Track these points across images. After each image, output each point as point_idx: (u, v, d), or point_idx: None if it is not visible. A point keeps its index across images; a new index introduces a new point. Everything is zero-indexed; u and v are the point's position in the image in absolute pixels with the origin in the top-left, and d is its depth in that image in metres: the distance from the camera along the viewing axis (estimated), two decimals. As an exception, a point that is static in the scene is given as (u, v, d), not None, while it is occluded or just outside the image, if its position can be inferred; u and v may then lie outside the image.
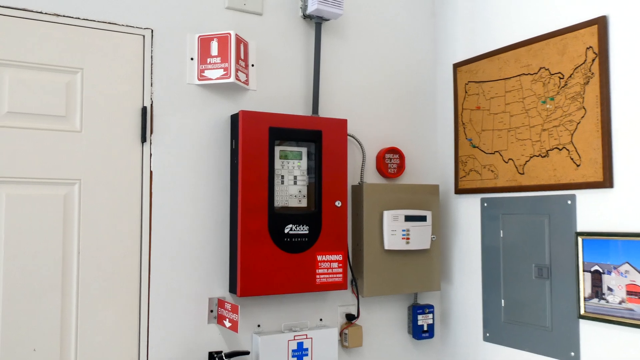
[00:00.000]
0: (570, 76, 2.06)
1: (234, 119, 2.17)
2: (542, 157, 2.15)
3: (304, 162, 2.26)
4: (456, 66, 2.54)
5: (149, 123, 2.06)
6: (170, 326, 2.06)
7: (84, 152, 1.96)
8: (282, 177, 2.21)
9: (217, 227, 2.16)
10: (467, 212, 2.50)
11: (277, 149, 2.20)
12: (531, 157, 2.19)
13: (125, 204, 2.02)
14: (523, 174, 2.22)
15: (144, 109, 2.05)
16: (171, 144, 2.10)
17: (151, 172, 2.06)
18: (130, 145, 2.04)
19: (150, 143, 2.07)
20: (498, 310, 2.33)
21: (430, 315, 2.54)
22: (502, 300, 2.31)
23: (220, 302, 2.11)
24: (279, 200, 2.19)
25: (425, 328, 2.52)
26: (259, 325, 2.22)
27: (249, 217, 2.10)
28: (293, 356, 2.20)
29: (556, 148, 2.10)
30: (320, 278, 2.22)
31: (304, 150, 2.26)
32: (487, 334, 2.38)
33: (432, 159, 2.67)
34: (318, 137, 2.24)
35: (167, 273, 2.07)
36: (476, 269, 2.46)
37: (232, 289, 2.13)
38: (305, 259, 2.20)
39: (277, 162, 2.20)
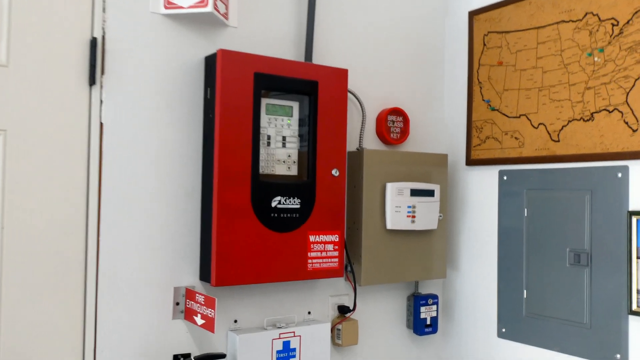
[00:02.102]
0: (628, 22, 1.69)
1: (210, 60, 1.71)
2: (584, 121, 1.79)
3: (295, 120, 1.82)
4: (473, 14, 2.14)
5: (99, 60, 1.58)
6: (124, 323, 1.61)
7: (10, 94, 1.47)
8: (269, 137, 1.77)
9: (187, 198, 1.71)
10: (481, 187, 2.13)
11: (264, 102, 1.76)
12: (570, 122, 1.83)
13: (66, 166, 1.54)
14: (558, 141, 1.86)
15: (92, 42, 1.57)
16: (128, 90, 1.63)
17: (102, 124, 1.59)
18: (75, 88, 1.55)
19: (101, 87, 1.59)
20: (518, 302, 1.97)
21: (434, 307, 2.17)
22: (524, 291, 1.96)
23: (189, 293, 1.67)
24: (265, 167, 1.76)
25: (428, 322, 2.15)
26: (235, 321, 1.79)
27: (227, 187, 1.65)
28: (278, 358, 1.79)
29: (605, 110, 1.74)
30: (312, 263, 1.81)
31: (295, 105, 1.83)
32: (503, 330, 2.03)
33: (440, 124, 2.28)
34: (314, 89, 1.81)
35: (120, 255, 1.61)
36: (490, 254, 2.09)
37: (205, 277, 1.69)
38: (295, 239, 1.77)
39: (264, 119, 1.76)
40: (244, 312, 1.81)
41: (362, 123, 2.03)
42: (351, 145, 2.02)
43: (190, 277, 1.72)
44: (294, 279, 1.78)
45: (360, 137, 2.03)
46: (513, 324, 1.99)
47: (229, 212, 1.66)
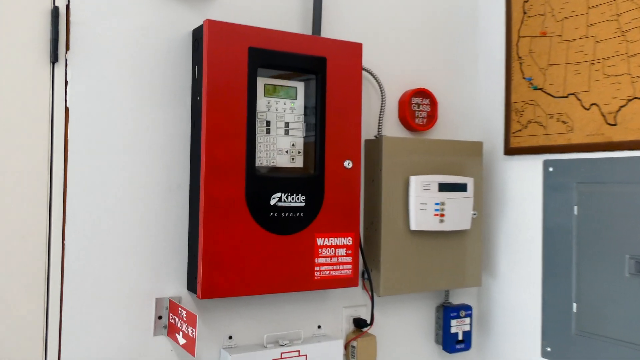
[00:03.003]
0: None
1: (198, 34, 1.46)
2: (649, 99, 1.47)
3: (299, 103, 1.56)
4: (511, -22, 1.83)
5: (62, 34, 1.34)
6: (95, 340, 1.38)
7: (-47, 73, 1.25)
8: (268, 123, 1.51)
9: (170, 195, 1.47)
10: (522, 180, 1.82)
11: (261, 82, 1.50)
12: (629, 101, 1.51)
13: (24, 158, 1.31)
14: (615, 125, 1.54)
15: (54, 11, 1.33)
16: (99, 69, 1.39)
17: (67, 109, 1.35)
18: (33, 67, 1.32)
19: (66, 65, 1.35)
20: (566, 316, 1.67)
21: (467, 320, 1.88)
22: (574, 304, 1.65)
23: (172, 305, 1.43)
24: (263, 158, 1.50)
25: (460, 337, 1.86)
26: (230, 337, 1.54)
27: (216, 182, 1.40)
28: (280, 382, 1.53)
29: (675, 85, 1.42)
30: (320, 271, 1.54)
31: (300, 85, 1.56)
32: (548, 349, 1.72)
33: (473, 107, 1.97)
34: (321, 67, 1.54)
35: (90, 261, 1.37)
36: (532, 259, 1.79)
37: (192, 287, 1.45)
38: (299, 243, 1.51)
39: (261, 101, 1.50)
40: (240, 327, 1.55)
41: (382, 106, 1.75)
42: (368, 132, 1.74)
43: (175, 286, 1.47)
44: (297, 290, 1.52)
45: (379, 122, 1.75)
46: (560, 342, 1.68)
47: (218, 211, 1.40)
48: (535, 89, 1.75)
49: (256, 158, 1.47)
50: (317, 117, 1.54)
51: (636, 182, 1.50)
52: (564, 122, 1.67)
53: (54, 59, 1.33)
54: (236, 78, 1.42)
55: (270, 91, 1.51)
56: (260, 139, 1.49)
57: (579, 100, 1.63)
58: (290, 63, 1.50)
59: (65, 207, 1.35)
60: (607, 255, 1.56)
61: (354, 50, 1.59)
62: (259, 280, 1.45)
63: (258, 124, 1.48)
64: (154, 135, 1.44)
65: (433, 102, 1.83)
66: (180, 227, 1.47)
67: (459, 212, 1.76)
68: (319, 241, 1.54)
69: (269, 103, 1.50)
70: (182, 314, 1.36)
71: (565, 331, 1.67)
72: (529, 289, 1.80)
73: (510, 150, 1.83)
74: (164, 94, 1.46)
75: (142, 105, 1.43)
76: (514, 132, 1.82)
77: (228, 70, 1.42)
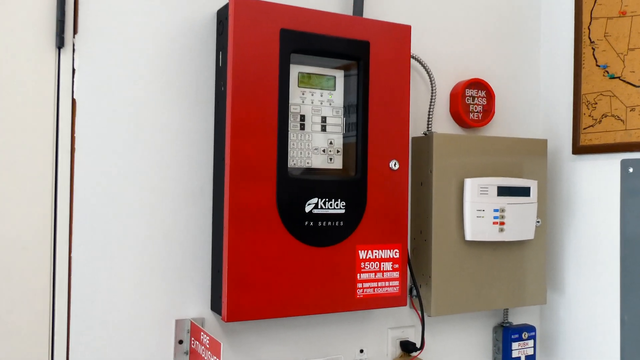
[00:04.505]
0: None
1: (223, 15, 1.27)
2: None
3: (339, 94, 1.35)
4: (580, -50, 1.60)
5: (70, 14, 1.17)
6: (107, 371, 1.20)
7: (-60, 61, 1.08)
8: (302, 118, 1.31)
9: (192, 201, 1.28)
10: (595, 183, 1.58)
11: (295, 70, 1.30)
12: None
13: (26, 156, 1.14)
14: None
15: (57, -11, 1.16)
16: (111, 55, 1.21)
17: (74, 101, 1.18)
18: (36, 52, 1.15)
19: (73, 51, 1.18)
20: (652, 342, 1.42)
21: (531, 343, 1.64)
22: (662, 328, 1.40)
23: (194, 329, 1.24)
24: (297, 158, 1.30)
25: (522, 362, 1.63)
26: (261, 364, 1.35)
27: (243, 186, 1.21)
28: (317, 417, 1.33)
29: None
30: (363, 288, 1.33)
31: (339, 74, 1.36)
32: (629, 379, 1.48)
33: (536, 100, 1.74)
34: (363, 52, 1.33)
35: (100, 277, 1.19)
36: (608, 273, 1.54)
37: (216, 307, 1.26)
38: (339, 256, 1.30)
39: (295, 92, 1.30)
40: (271, 352, 1.35)
41: (431, 99, 1.53)
42: (416, 128, 1.53)
43: (198, 306, 1.28)
44: (336, 311, 1.31)
45: (428, 117, 1.53)
46: (645, 372, 1.44)
47: (245, 220, 1.21)
48: (612, 77, 1.51)
49: (289, 158, 1.27)
50: (358, 110, 1.33)
51: None
52: (648, 115, 1.43)
53: (60, 43, 1.15)
54: (266, 65, 1.23)
55: (305, 81, 1.31)
56: (294, 136, 1.29)
57: (668, 88, 1.38)
58: (328, 48, 1.30)
59: (72, 215, 1.17)
60: None
61: (402, 33, 1.38)
62: (292, 300, 1.25)
63: (291, 118, 1.28)
64: (172, 132, 1.26)
65: (490, 95, 1.60)
66: (203, 238, 1.29)
67: (521, 220, 1.53)
68: (362, 254, 1.33)
69: (303, 94, 1.30)
70: (205, 339, 1.17)
71: (651, 360, 1.42)
72: (603, 307, 1.55)
73: (580, 149, 1.59)
74: (184, 85, 1.27)
75: (159, 97, 1.25)
76: (584, 128, 1.58)
77: (257, 56, 1.22)
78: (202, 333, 1.19)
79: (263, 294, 1.22)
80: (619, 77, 1.49)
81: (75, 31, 1.18)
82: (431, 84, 1.53)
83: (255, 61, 1.22)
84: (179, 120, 1.27)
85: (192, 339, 1.24)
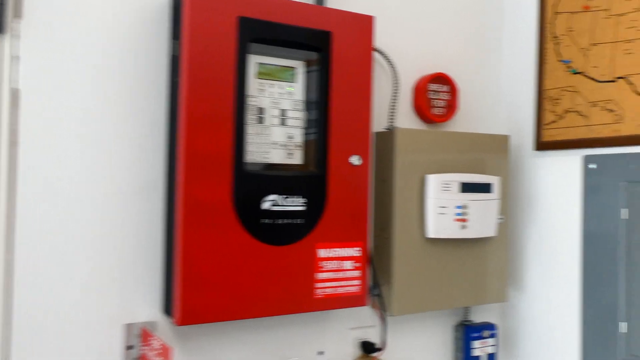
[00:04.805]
0: None
1: (177, 1, 1.19)
2: None
3: (299, 87, 1.30)
4: (544, -56, 1.58)
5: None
6: (49, 379, 1.12)
7: None
8: (261, 110, 1.25)
9: (143, 197, 1.21)
10: (557, 179, 1.57)
11: (253, 60, 1.24)
12: (696, 84, 1.26)
13: (-45, 151, 1.05)
14: (677, 113, 1.29)
15: (-7, -32, 1.07)
16: (58, 43, 1.12)
17: (16, 91, 1.09)
18: (-34, 37, 1.06)
19: (15, 36, 1.09)
20: (611, 338, 1.42)
21: (492, 341, 1.62)
22: (622, 324, 1.40)
23: (145, 334, 1.17)
24: (254, 153, 1.24)
25: (483, 361, 1.61)
26: (216, 369, 1.28)
27: (198, 181, 1.14)
28: (275, 422, 1.28)
29: None
30: (323, 288, 1.29)
31: (299, 65, 1.30)
32: (590, 376, 1.47)
33: (499, 96, 1.72)
34: (325, 43, 1.28)
35: (43, 279, 1.11)
36: (569, 270, 1.54)
37: (168, 310, 1.19)
38: (298, 255, 1.25)
39: (253, 84, 1.24)
40: (227, 355, 1.29)
41: (394, 93, 1.50)
42: (379, 123, 1.49)
43: (148, 309, 1.21)
44: (295, 312, 1.26)
45: (391, 112, 1.49)
46: (605, 369, 1.44)
47: (200, 217, 1.14)
48: (575, 72, 1.49)
49: (246, 152, 1.21)
50: (319, 104, 1.28)
51: None
52: (610, 111, 1.42)
53: (0, 28, 1.07)
54: (223, 55, 1.17)
55: (264, 72, 1.25)
56: (252, 129, 1.23)
57: (631, 84, 1.37)
58: (288, 37, 1.24)
59: (13, 213, 1.08)
60: (665, 269, 1.31)
61: (365, 24, 1.33)
62: (248, 301, 1.19)
63: (249, 111, 1.22)
64: (123, 124, 1.18)
65: (453, 90, 1.57)
66: (153, 237, 1.21)
67: (483, 217, 1.51)
68: (321, 253, 1.28)
69: (261, 86, 1.24)
70: (156, 344, 1.10)
71: (611, 355, 1.42)
72: (564, 305, 1.55)
73: (542, 145, 1.58)
74: (136, 75, 1.20)
75: (109, 87, 1.17)
76: (547, 124, 1.56)
77: (213, 45, 1.16)
78: (152, 337, 1.12)
79: (218, 296, 1.16)
80: (581, 73, 1.48)
81: (18, 15, 1.09)
82: (394, 77, 1.49)
83: (211, 50, 1.16)
84: (131, 112, 1.19)
85: (142, 344, 1.17)
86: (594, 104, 1.45)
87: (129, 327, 1.19)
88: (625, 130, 1.38)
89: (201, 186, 1.14)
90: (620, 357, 1.40)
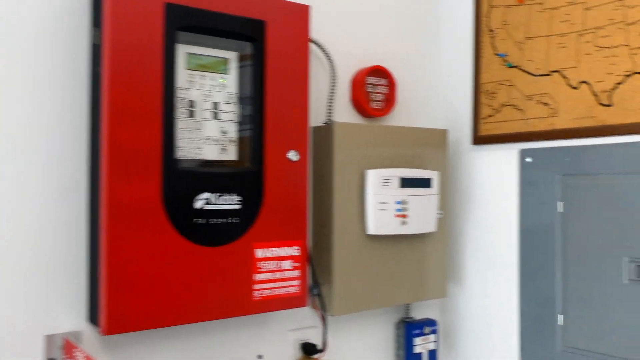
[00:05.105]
0: None
1: (95, -15, 1.11)
2: (651, 74, 1.24)
3: (232, 78, 1.23)
4: (479, -62, 1.58)
5: None
6: (-42, 400, 1.01)
7: None
8: (192, 104, 1.18)
9: (63, 198, 1.11)
10: (494, 173, 1.57)
11: (183, 50, 1.16)
12: (628, 77, 1.28)
13: None
14: (609, 105, 1.31)
15: None
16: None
17: None
18: None
19: None
20: (550, 330, 1.43)
21: (432, 337, 1.61)
22: (559, 316, 1.41)
23: (68, 345, 1.08)
24: (186, 148, 1.16)
25: (425, 358, 1.59)
26: (148, 379, 1.20)
27: (123, 179, 1.06)
28: None
29: (685, 56, 1.19)
30: (261, 290, 1.23)
31: (232, 56, 1.24)
32: (529, 369, 1.48)
33: (436, 89, 1.71)
34: (259, 33, 1.22)
35: (-52, 293, 1.01)
36: (508, 264, 1.54)
37: (94, 319, 1.10)
38: (233, 256, 1.19)
39: (183, 75, 1.16)
40: (160, 366, 1.22)
41: (331, 87, 1.45)
42: (316, 117, 1.44)
43: (72, 319, 1.12)
44: (232, 315, 1.20)
45: (328, 106, 1.45)
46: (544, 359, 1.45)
47: (126, 218, 1.06)
48: (511, 66, 1.50)
49: (176, 148, 1.14)
50: (254, 97, 1.22)
51: (636, 172, 1.27)
52: (545, 105, 1.42)
53: None
54: (149, 44, 1.09)
55: (195, 63, 1.18)
56: (182, 124, 1.15)
57: (565, 78, 1.38)
58: (220, 26, 1.17)
59: None
60: (600, 259, 1.33)
61: (300, 14, 1.28)
62: (182, 306, 1.12)
63: (178, 104, 1.15)
64: (39, 120, 1.09)
65: (391, 83, 1.55)
66: (77, 241, 1.12)
67: (423, 212, 1.49)
68: (259, 253, 1.22)
69: (192, 78, 1.17)
70: (80, 356, 1.02)
71: (549, 347, 1.43)
72: (503, 299, 1.55)
73: (479, 139, 1.58)
74: (53, 65, 1.10)
75: (23, 79, 1.07)
76: (484, 118, 1.56)
77: (138, 33, 1.08)
78: (76, 349, 1.03)
79: (148, 302, 1.09)
80: (517, 66, 1.48)
81: None
82: (332, 70, 1.45)
83: (136, 39, 1.08)
84: (48, 107, 1.09)
85: (65, 356, 1.08)
86: (529, 97, 1.46)
87: (50, 338, 1.09)
88: (560, 123, 1.39)
89: (127, 185, 1.06)
90: (558, 350, 1.41)
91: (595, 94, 1.33)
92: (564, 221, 1.40)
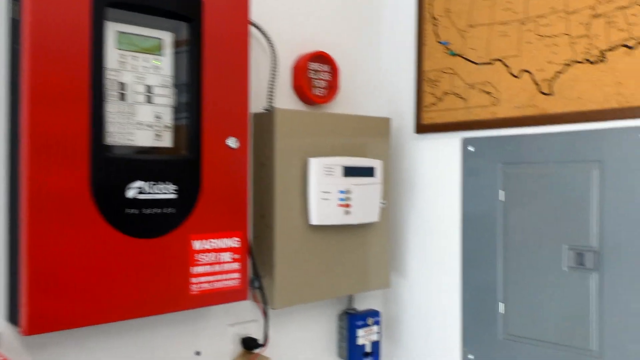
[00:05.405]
0: None
1: (13, -46, 1.02)
2: (591, 63, 1.25)
3: (167, 61, 1.16)
4: None
5: None
6: None
7: None
8: (122, 86, 1.10)
9: (-22, 187, 1.02)
10: (438, 162, 1.56)
11: (112, 28, 1.08)
12: (568, 66, 1.28)
13: None
14: (550, 94, 1.31)
15: None
16: None
17: None
18: None
19: None
20: (491, 319, 1.43)
21: (376, 329, 1.59)
22: (501, 304, 1.41)
23: (-15, 348, 0.99)
24: (116, 134, 1.09)
25: (367, 349, 1.57)
26: (76, 381, 1.13)
27: (46, 167, 0.98)
28: None
29: (623, 46, 1.20)
30: (198, 283, 1.17)
31: (167, 36, 1.16)
32: (470, 356, 1.48)
33: (379, 77, 1.68)
34: (196, 11, 1.15)
35: None
36: (450, 254, 1.53)
37: (13, 318, 1.01)
38: (169, 248, 1.13)
39: (112, 55, 1.08)
40: (89, 366, 1.14)
41: (272, 72, 1.40)
42: (257, 103, 1.39)
43: (-11, 318, 1.03)
44: (168, 311, 1.13)
45: (269, 92, 1.40)
46: (485, 349, 1.45)
47: (51, 208, 0.98)
48: (453, 54, 1.49)
49: (106, 134, 1.06)
50: (190, 80, 1.15)
51: (576, 161, 1.28)
52: (487, 93, 1.42)
53: None
54: (75, 20, 1.01)
55: (126, 42, 1.10)
56: (112, 107, 1.08)
57: (507, 66, 1.38)
58: (153, 3, 1.10)
59: None
60: (540, 247, 1.34)
61: (239, -6, 1.22)
62: (112, 302, 1.05)
63: (108, 86, 1.07)
64: (-52, 100, 0.99)
65: (334, 69, 1.51)
66: (-6, 233, 1.03)
67: (366, 202, 1.47)
68: (196, 245, 1.16)
69: (123, 58, 1.10)
70: (-3, 359, 0.93)
71: (491, 336, 1.43)
72: (445, 288, 1.54)
73: (422, 128, 1.56)
74: (-35, 41, 1.00)
75: None
76: (426, 106, 1.55)
77: (62, 7, 0.99)
78: (-7, 352, 0.95)
79: (75, 298, 1.01)
80: (459, 55, 1.47)
81: None
82: (273, 55, 1.40)
83: (60, 14, 0.99)
84: (-42, 85, 1.00)
85: (-18, 359, 0.99)
86: (471, 85, 1.45)
87: (-36, 341, 1.00)
88: (502, 112, 1.39)
89: (51, 173, 0.98)
90: (500, 338, 1.42)
91: (536, 83, 1.33)
92: (505, 210, 1.40)
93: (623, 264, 1.22)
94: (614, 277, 1.23)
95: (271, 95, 1.40)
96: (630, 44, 1.19)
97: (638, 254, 1.20)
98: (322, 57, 1.48)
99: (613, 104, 1.21)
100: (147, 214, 1.09)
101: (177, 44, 1.17)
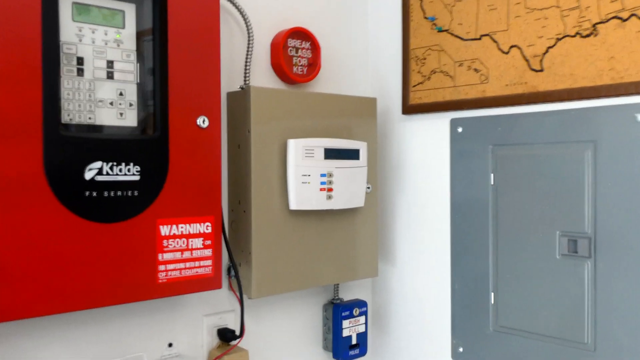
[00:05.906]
0: None
1: None
2: (582, 37, 1.17)
3: (130, 32, 1.09)
4: None
5: None
6: None
7: None
8: (80, 61, 1.03)
9: None
10: (426, 144, 1.49)
11: (67, -2, 1.02)
12: (559, 40, 1.21)
13: None
14: (541, 70, 1.23)
15: None
16: None
17: None
18: None
19: None
20: (482, 310, 1.36)
21: (362, 319, 1.52)
22: (492, 294, 1.34)
23: None
24: (74, 112, 1.02)
25: (354, 341, 1.51)
26: (36, 374, 1.07)
27: (-3, 146, 0.92)
28: None
29: (616, 18, 1.12)
30: (167, 271, 1.11)
31: (129, 8, 1.09)
32: (460, 349, 1.41)
33: (364, 55, 1.60)
34: (159, -18, 1.08)
35: None
36: (439, 241, 1.47)
37: (-36, 307, 0.96)
38: (133, 233, 1.06)
39: (69, 27, 1.01)
40: (54, 355, 1.08)
41: (248, 49, 1.33)
42: (233, 83, 1.32)
43: (-61, 308, 0.97)
44: (134, 300, 1.07)
45: (245, 70, 1.33)
46: (475, 341, 1.38)
47: (1, 192, 0.92)
48: (440, 30, 1.41)
49: (62, 112, 0.99)
50: (155, 54, 1.09)
51: (569, 142, 1.21)
52: (476, 71, 1.34)
53: None
54: (25, -11, 0.94)
55: (83, 14, 1.03)
56: (68, 83, 1.01)
57: (495, 42, 1.31)
58: (113, -27, 1.03)
59: None
60: (532, 233, 1.26)
61: (208, -36, 1.15)
62: (74, 290, 0.99)
63: (64, 61, 1.00)
64: None
65: (315, 46, 1.44)
66: (-56, 218, 0.97)
67: (350, 186, 1.40)
68: (164, 230, 1.10)
69: (81, 31, 1.03)
70: (-58, 351, 0.87)
71: (481, 327, 1.36)
72: (434, 277, 1.48)
73: (409, 108, 1.49)
74: None
75: None
76: (414, 86, 1.47)
77: (11, -24, 0.93)
78: (-62, 344, 0.89)
79: (32, 287, 0.95)
80: (447, 30, 1.40)
81: None
82: (248, 30, 1.32)
83: (9, -18, 0.93)
84: None
85: None
86: (460, 63, 1.37)
87: None
88: (491, 90, 1.32)
89: (0, 154, 0.92)
90: (490, 329, 1.35)
91: (526, 59, 1.25)
92: (495, 194, 1.33)
93: (618, 252, 1.14)
94: (608, 265, 1.16)
95: (247, 73, 1.33)
96: (622, 15, 1.11)
97: (634, 240, 1.12)
98: (302, 34, 1.41)
99: (606, 80, 1.13)
100: (108, 197, 1.02)
101: (140, 16, 1.09)
